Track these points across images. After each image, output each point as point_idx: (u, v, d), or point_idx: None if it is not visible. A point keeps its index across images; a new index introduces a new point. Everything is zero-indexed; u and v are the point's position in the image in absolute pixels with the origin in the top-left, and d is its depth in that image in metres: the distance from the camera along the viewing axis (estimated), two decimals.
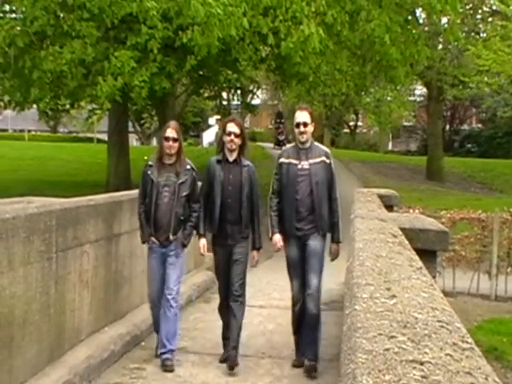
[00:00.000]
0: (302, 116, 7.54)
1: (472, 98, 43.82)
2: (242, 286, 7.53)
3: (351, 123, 64.41)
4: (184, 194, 7.46)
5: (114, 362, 8.04)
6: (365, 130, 64.07)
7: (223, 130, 7.56)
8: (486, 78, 28.82)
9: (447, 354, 2.39)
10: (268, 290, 9.70)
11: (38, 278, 6.64)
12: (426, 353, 2.37)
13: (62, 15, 17.10)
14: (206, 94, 39.06)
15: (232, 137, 7.35)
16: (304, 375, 7.35)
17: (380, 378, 2.07)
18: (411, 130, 59.91)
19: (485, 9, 36.50)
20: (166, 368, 7.42)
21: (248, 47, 17.52)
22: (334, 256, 7.93)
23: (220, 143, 7.67)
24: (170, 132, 7.51)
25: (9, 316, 6.30)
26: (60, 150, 41.78)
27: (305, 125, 7.47)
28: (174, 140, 7.52)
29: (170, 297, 7.26)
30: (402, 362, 2.23)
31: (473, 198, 25.52)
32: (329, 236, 7.98)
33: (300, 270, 7.49)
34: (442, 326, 2.78)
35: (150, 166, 7.62)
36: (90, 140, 60.81)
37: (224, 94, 41.56)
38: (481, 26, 35.66)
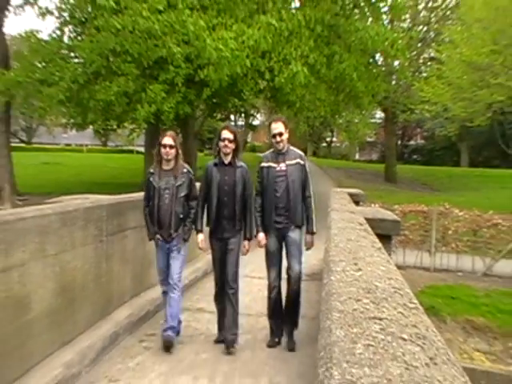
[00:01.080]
0: (277, 127, 6.83)
1: (417, 121, 43.90)
2: (236, 274, 6.85)
3: (328, 139, 64.38)
4: (182, 194, 6.84)
5: (148, 318, 8.02)
6: (338, 144, 63.95)
7: (218, 137, 6.82)
8: (426, 106, 28.87)
9: (399, 312, 2.42)
10: (264, 266, 9.41)
11: (92, 256, 6.79)
12: (383, 311, 2.40)
13: (111, 59, 17.14)
14: (218, 117, 38.90)
15: (226, 142, 6.68)
16: (285, 340, 6.91)
17: (349, 330, 2.10)
18: (373, 144, 59.92)
19: (425, 55, 36.87)
20: (167, 343, 6.74)
21: (250, 81, 17.56)
22: (309, 245, 7.15)
23: (216, 148, 6.88)
24: (167, 140, 6.85)
25: (72, 283, 6.37)
26: (109, 160, 41.82)
27: (280, 135, 6.81)
28: (171, 147, 6.84)
29: (172, 283, 6.78)
30: (365, 319, 2.26)
31: (418, 196, 25.47)
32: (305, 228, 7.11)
33: (277, 259, 6.86)
34: (396, 291, 2.81)
35: (152, 173, 7.00)
36: (131, 152, 60.72)
37: (232, 117, 41.51)
38: (423, 68, 35.94)
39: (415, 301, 2.69)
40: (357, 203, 10.47)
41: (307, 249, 7.07)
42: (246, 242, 6.95)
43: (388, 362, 1.79)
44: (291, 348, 6.88)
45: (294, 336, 7.01)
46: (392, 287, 2.89)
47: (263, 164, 6.98)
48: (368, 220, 6.68)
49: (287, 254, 6.78)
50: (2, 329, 5.13)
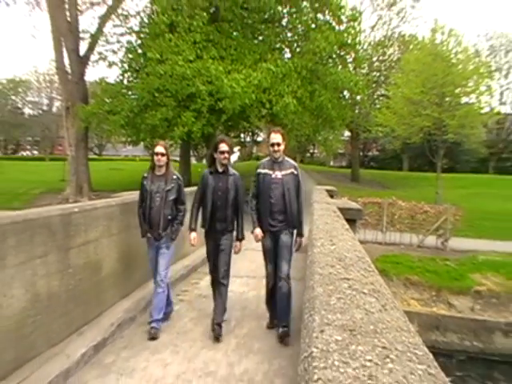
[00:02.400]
0: (276, 137, 5.73)
1: (373, 138, 43.67)
2: (227, 271, 5.81)
3: (311, 150, 64.12)
4: (171, 198, 5.75)
5: (183, 279, 7.98)
6: (318, 154, 63.53)
7: (215, 149, 5.79)
8: (380, 128, 28.87)
9: (361, 274, 2.41)
10: (255, 257, 9.18)
11: (122, 243, 6.35)
12: (350, 274, 2.39)
13: (156, 95, 17.17)
14: (232, 135, 38.88)
15: (226, 155, 5.69)
16: (278, 341, 5.41)
17: (327, 287, 2.09)
18: (342, 155, 59.51)
19: (378, 93, 36.76)
20: (151, 335, 5.48)
21: (255, 109, 17.58)
22: (298, 246, 6.00)
23: (209, 158, 5.90)
24: (159, 148, 5.83)
25: (128, 254, 6.43)
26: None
27: (278, 144, 5.69)
28: (162, 154, 5.81)
29: (159, 279, 5.67)
30: (338, 279, 2.25)
31: (374, 192, 25.42)
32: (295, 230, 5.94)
33: (272, 256, 5.72)
34: (359, 260, 2.79)
35: (145, 177, 5.91)
36: (171, 161, 60.57)
37: (242, 135, 41.39)
38: (377, 101, 35.76)
39: (372, 266, 2.68)
40: (331, 197, 10.44)
41: (296, 250, 5.96)
42: (237, 243, 5.90)
43: (353, 310, 1.79)
44: (282, 340, 5.43)
45: (288, 330, 5.50)
46: (356, 256, 2.88)
47: (260, 170, 5.81)
48: (339, 209, 6.56)
49: (278, 254, 5.64)
50: (84, 284, 5.21)
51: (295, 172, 5.70)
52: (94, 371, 4.51)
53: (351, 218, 7.11)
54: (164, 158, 5.86)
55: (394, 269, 12.57)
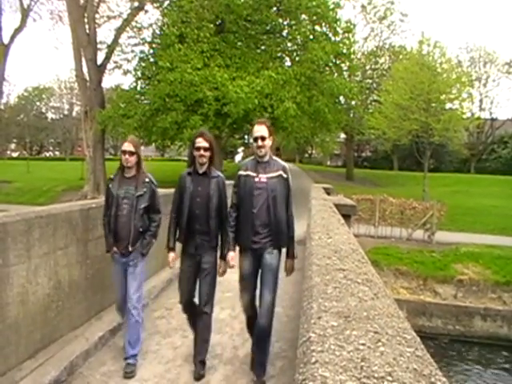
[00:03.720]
0: (259, 130, 4.24)
1: (366, 140, 43.67)
2: (211, 297, 4.27)
3: (309, 151, 63.94)
4: (142, 206, 4.33)
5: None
6: (316, 155, 63.30)
7: (192, 145, 4.34)
8: (372, 131, 28.68)
9: (356, 265, 2.40)
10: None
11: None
12: (345, 264, 2.38)
13: (167, 100, 17.16)
14: (237, 136, 38.90)
15: (202, 151, 4.24)
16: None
17: (324, 277, 2.09)
18: (338, 155, 59.34)
19: (371, 98, 36.56)
20: (127, 374, 4.10)
21: (258, 113, 17.46)
22: (290, 271, 4.40)
23: (190, 157, 4.44)
24: (127, 146, 4.37)
25: None
26: (165, 165, 41.52)
27: (262, 139, 4.20)
28: (131, 153, 4.33)
29: (130, 305, 4.25)
30: (334, 270, 2.24)
31: (367, 189, 25.34)
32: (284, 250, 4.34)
33: (251, 283, 4.19)
34: (353, 252, 2.78)
35: (112, 179, 4.49)
36: (179, 160, 60.63)
37: (246, 137, 41.35)
38: (369, 106, 35.57)
39: (365, 257, 2.68)
40: (328, 194, 10.43)
41: (287, 275, 4.36)
42: (222, 262, 4.25)
43: (348, 298, 1.79)
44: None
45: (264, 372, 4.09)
46: (351, 249, 2.87)
47: (241, 172, 4.23)
48: (335, 205, 6.47)
49: (261, 279, 4.11)
50: (101, 273, 5.15)
51: (284, 175, 4.12)
52: (110, 353, 4.54)
53: (346, 214, 7.05)
54: (133, 159, 4.37)
55: (384, 260, 12.58)
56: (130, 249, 4.30)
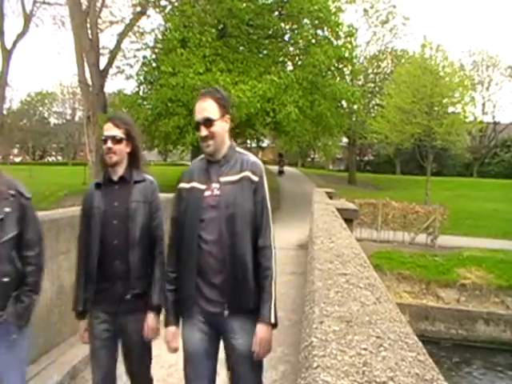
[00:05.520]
0: (202, 108, 2.42)
1: (369, 144, 43.44)
2: (145, 377, 2.76)
3: (311, 155, 63.82)
4: (8, 236, 2.37)
5: None
6: (318, 159, 63.16)
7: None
8: (374, 135, 28.72)
9: (357, 269, 2.39)
10: None
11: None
12: (347, 269, 2.37)
13: (169, 105, 17.21)
14: (239, 141, 38.84)
15: (109, 143, 2.63)
16: None
17: (326, 281, 2.09)
18: (340, 159, 59.17)
19: (373, 102, 36.56)
20: None
21: (260, 118, 17.48)
22: (261, 352, 2.19)
23: (101, 159, 2.73)
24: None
25: None
26: (167, 170, 41.58)
27: (207, 123, 2.35)
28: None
29: None
30: (336, 274, 2.23)
31: (369, 193, 25.32)
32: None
33: (204, 369, 2.28)
34: (355, 256, 2.78)
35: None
36: (182, 165, 60.67)
37: (248, 141, 41.44)
38: (372, 110, 35.58)
39: (367, 262, 2.67)
40: (330, 198, 10.42)
41: (257, 355, 2.22)
42: (150, 316, 2.59)
43: (350, 302, 1.79)
44: None
45: None
46: (353, 253, 2.86)
47: (182, 185, 2.42)
48: (338, 209, 6.42)
49: (232, 370, 2.32)
50: None
51: (253, 177, 2.34)
52: None
53: (348, 218, 7.01)
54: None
55: (387, 264, 12.56)
56: None
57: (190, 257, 2.29)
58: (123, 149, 2.70)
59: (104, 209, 2.63)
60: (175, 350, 2.42)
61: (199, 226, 2.29)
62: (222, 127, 2.40)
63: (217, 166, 2.37)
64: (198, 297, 2.29)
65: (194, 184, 2.37)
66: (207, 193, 2.32)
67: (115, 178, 2.70)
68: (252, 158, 2.42)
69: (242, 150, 2.47)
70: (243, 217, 2.26)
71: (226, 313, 2.26)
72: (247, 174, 2.32)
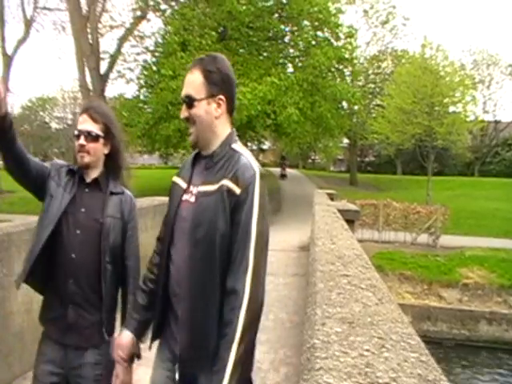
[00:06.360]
0: (186, 82, 1.76)
1: (369, 145, 43.44)
2: None
3: (312, 157, 63.73)
4: None
5: None
6: (319, 160, 63.08)
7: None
8: (375, 136, 28.82)
9: (359, 270, 2.40)
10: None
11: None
12: (349, 270, 2.38)
13: (170, 108, 17.23)
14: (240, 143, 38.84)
15: (82, 140, 2.10)
16: None
17: (327, 283, 2.09)
18: (341, 160, 59.17)
19: (374, 103, 36.54)
20: None
21: (260, 120, 17.54)
22: None
23: (74, 158, 2.25)
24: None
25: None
26: (167, 174, 41.37)
27: (189, 102, 1.70)
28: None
29: None
30: (338, 276, 2.24)
31: (371, 194, 25.30)
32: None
33: None
34: (357, 257, 2.78)
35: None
36: None
37: (249, 144, 41.49)
38: (372, 111, 35.55)
39: (369, 263, 2.67)
40: (332, 199, 10.41)
41: None
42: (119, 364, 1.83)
43: (352, 303, 1.79)
44: None
45: None
46: (355, 254, 2.86)
47: (173, 177, 1.86)
48: (339, 210, 6.42)
49: None
50: None
51: (235, 189, 1.58)
52: None
53: (350, 219, 7.00)
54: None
55: (389, 265, 12.56)
56: None
57: (160, 271, 1.79)
58: (99, 148, 2.14)
59: (70, 214, 2.05)
60: (122, 379, 1.89)
61: (170, 236, 1.75)
62: (207, 111, 1.73)
63: (202, 166, 1.75)
64: (167, 326, 1.76)
65: (178, 180, 1.82)
66: (185, 196, 1.73)
67: (88, 180, 2.17)
68: (244, 160, 1.67)
69: (239, 148, 1.73)
70: (211, 244, 1.58)
71: (177, 375, 1.68)
72: (226, 183, 1.60)
